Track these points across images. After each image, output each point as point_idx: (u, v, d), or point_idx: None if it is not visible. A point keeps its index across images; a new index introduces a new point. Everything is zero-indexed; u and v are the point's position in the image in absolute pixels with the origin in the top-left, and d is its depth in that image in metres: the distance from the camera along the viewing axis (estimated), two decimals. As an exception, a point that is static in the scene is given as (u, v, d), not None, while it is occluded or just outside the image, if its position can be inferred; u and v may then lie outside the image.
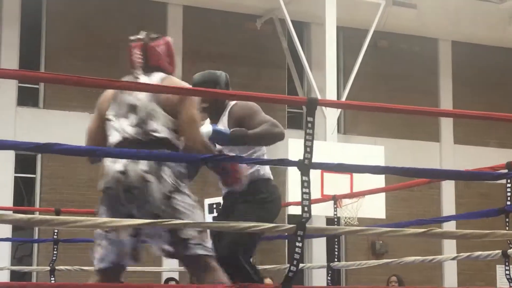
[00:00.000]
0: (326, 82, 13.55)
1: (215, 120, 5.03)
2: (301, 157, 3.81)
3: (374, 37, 14.96)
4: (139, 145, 4.04)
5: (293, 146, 11.14)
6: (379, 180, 10.51)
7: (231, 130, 4.73)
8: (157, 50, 4.33)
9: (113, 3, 14.41)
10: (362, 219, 11.58)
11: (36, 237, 12.98)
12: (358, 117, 15.74)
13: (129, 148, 4.02)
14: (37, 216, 3.63)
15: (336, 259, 7.30)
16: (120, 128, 4.15)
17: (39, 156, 13.69)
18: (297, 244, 3.67)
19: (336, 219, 7.88)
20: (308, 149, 3.76)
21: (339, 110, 13.51)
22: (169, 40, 4.42)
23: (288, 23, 13.97)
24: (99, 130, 4.33)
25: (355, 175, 11.13)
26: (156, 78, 4.25)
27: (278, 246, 14.45)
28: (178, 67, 14.69)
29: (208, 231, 4.11)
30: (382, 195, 11.80)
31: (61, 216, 3.71)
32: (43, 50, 14.20)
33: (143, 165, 4.00)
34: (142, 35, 4.39)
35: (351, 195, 9.83)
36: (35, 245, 13.41)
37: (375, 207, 11.76)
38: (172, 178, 4.01)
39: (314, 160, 3.79)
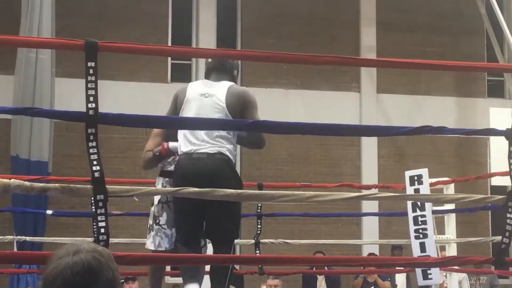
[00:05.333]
0: (527, 47, 12.98)
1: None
2: (508, 126, 3.66)
3: None
4: None
5: (494, 115, 10.75)
6: None
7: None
8: None
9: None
10: None
11: (238, 212, 13.29)
12: None
13: None
14: (246, 191, 3.70)
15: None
16: None
17: (238, 133, 14.01)
18: (509, 215, 3.55)
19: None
20: (516, 118, 3.62)
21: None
22: None
23: (486, -13, 13.47)
24: None
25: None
26: None
27: (481, 219, 14.06)
28: (372, 38, 14.69)
29: None
30: None
31: (269, 191, 3.74)
32: (238, 30, 14.50)
33: None
34: None
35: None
36: (237, 219, 13.76)
37: None
38: None
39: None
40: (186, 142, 4.92)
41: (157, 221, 5.50)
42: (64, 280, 1.88)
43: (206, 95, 4.92)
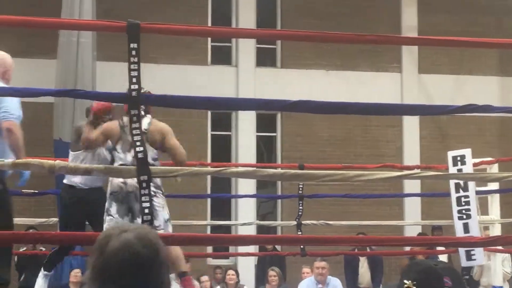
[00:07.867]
0: None
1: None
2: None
3: None
4: None
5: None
6: None
7: None
8: None
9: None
10: None
11: (279, 194, 13.30)
12: None
13: None
14: (290, 171, 3.69)
15: None
16: (124, 158, 5.41)
17: (278, 115, 14.00)
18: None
19: None
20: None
21: None
22: None
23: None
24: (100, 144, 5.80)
25: None
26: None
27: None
28: (414, 18, 14.47)
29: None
30: None
31: (312, 171, 3.73)
32: (279, 10, 14.45)
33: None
34: None
35: None
36: (279, 201, 13.76)
37: None
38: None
39: None
40: None
41: (109, 213, 5.83)
42: (131, 253, 1.94)
43: None
